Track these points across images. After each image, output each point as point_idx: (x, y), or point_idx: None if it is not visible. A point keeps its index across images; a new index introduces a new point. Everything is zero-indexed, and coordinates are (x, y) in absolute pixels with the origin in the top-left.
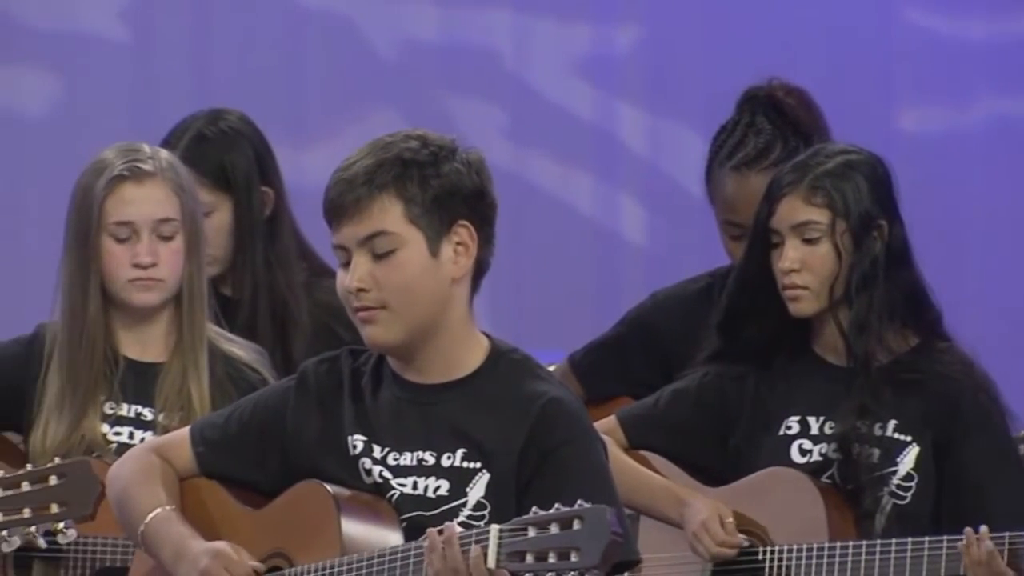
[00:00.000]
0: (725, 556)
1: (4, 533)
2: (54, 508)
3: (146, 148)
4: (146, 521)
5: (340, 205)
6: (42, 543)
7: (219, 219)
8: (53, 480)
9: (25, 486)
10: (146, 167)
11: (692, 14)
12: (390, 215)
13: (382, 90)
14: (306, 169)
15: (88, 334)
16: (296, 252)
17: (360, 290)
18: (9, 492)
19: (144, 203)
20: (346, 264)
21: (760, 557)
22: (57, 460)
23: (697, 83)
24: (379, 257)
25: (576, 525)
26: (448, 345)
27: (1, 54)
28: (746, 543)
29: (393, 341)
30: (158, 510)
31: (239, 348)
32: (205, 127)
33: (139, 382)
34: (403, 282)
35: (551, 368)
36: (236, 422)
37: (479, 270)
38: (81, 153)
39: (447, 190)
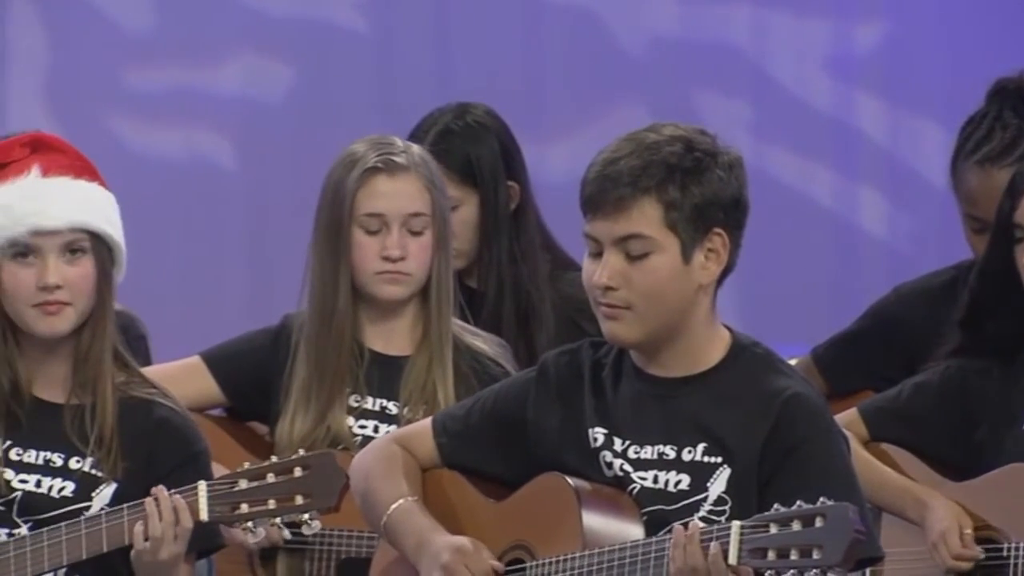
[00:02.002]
0: (961, 569)
1: (250, 524)
2: (299, 500)
3: (398, 142)
4: (389, 512)
5: (600, 200)
6: (287, 535)
7: (465, 213)
8: (298, 472)
9: (270, 477)
10: (400, 160)
11: (935, 8)
12: (649, 219)
13: (627, 85)
14: (547, 164)
15: (337, 325)
16: (540, 245)
17: (608, 288)
18: (255, 483)
19: (396, 196)
20: (596, 254)
21: (1004, 554)
22: (301, 452)
23: (939, 75)
24: (632, 258)
25: (818, 522)
26: (690, 342)
27: (241, 43)
28: (982, 556)
29: (634, 339)
30: (401, 501)
31: (482, 342)
32: (452, 121)
33: (384, 376)
34: (652, 286)
35: (792, 362)
36: (477, 414)
37: (725, 271)
38: (318, 142)
39: (707, 199)
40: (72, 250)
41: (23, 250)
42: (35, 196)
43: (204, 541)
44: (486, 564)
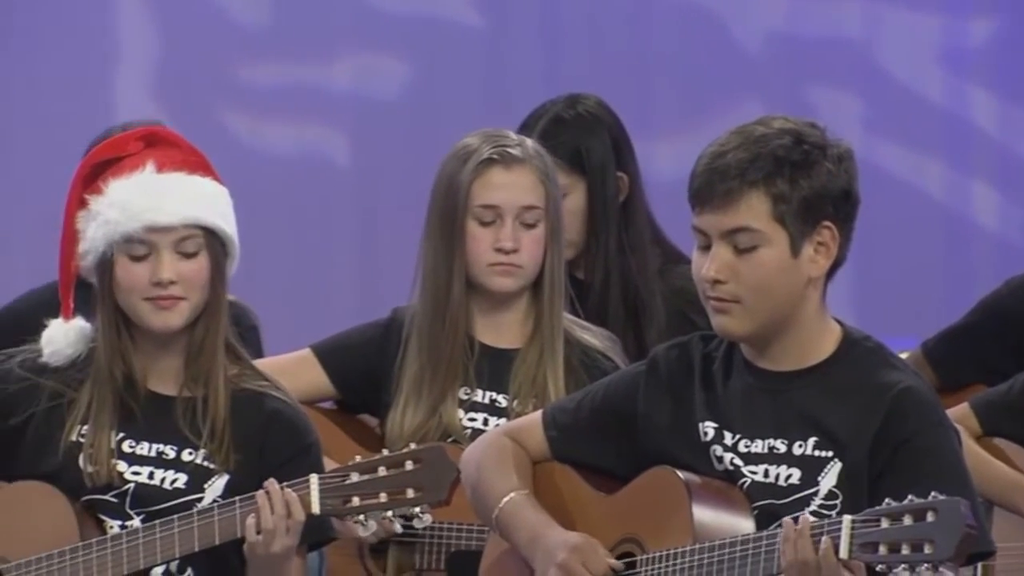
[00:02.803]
0: None
1: (361, 518)
2: (410, 493)
3: (513, 135)
4: (500, 505)
5: (708, 193)
6: (398, 528)
7: (573, 202)
8: (409, 465)
9: (382, 471)
10: (515, 153)
11: None
12: (757, 212)
13: (738, 80)
14: (656, 160)
15: (450, 317)
16: (650, 239)
17: (717, 281)
18: (366, 477)
19: (511, 188)
20: (704, 248)
21: None
22: (413, 446)
23: None
24: (740, 251)
25: (930, 517)
26: (800, 335)
27: (355, 39)
28: None
29: (743, 332)
30: (512, 494)
31: (592, 336)
32: (563, 110)
33: (494, 368)
34: (761, 280)
35: (903, 355)
36: (587, 407)
37: (835, 264)
38: (434, 137)
39: (816, 192)
40: (185, 246)
41: (138, 246)
42: (150, 192)
43: (316, 534)
44: (603, 562)
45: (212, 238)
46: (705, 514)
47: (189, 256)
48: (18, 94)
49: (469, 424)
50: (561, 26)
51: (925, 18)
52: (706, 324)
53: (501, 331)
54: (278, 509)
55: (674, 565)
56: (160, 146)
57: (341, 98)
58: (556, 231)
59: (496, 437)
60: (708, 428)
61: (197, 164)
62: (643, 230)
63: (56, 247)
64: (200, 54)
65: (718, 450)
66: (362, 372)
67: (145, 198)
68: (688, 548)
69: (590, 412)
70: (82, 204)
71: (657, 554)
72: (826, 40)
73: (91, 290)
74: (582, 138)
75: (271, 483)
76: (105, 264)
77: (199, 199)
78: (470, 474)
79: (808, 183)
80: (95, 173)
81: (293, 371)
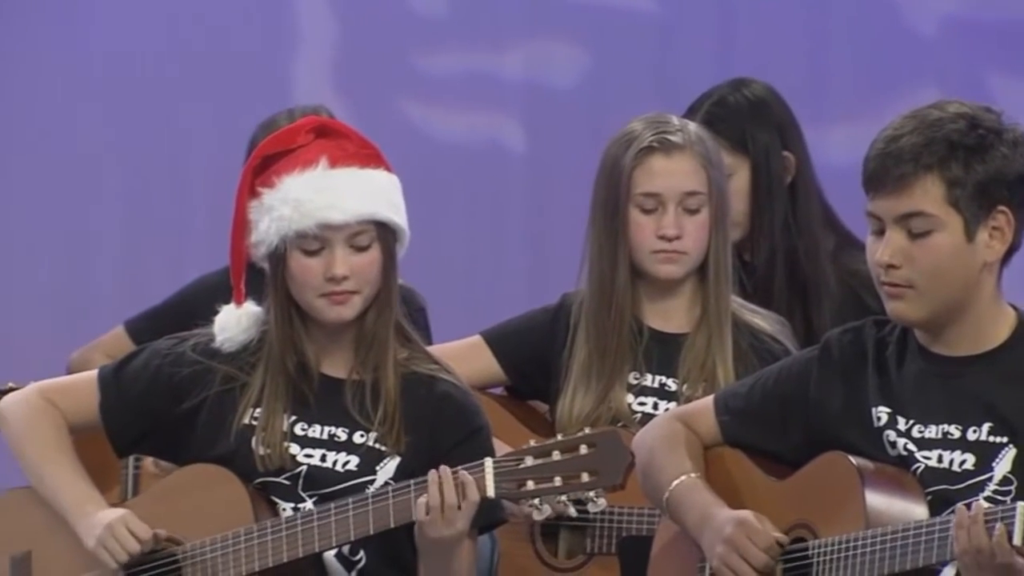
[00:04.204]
0: None
1: (536, 501)
2: (584, 477)
3: (675, 120)
4: (671, 487)
5: (882, 178)
6: (572, 512)
7: (738, 182)
8: (583, 449)
9: (556, 455)
10: (675, 139)
11: None
12: (931, 197)
13: (915, 66)
14: (829, 146)
15: (616, 303)
16: (821, 221)
17: (891, 266)
18: (540, 461)
19: (672, 175)
20: (878, 232)
21: None
22: (587, 430)
23: None
24: (914, 236)
25: None
26: (975, 320)
27: (531, 28)
28: None
29: (917, 318)
30: (683, 477)
31: (761, 319)
32: (728, 94)
33: (663, 353)
34: (934, 265)
35: None
36: (759, 392)
37: (1010, 249)
38: (608, 125)
39: (991, 176)
40: (358, 240)
41: (311, 241)
42: (323, 189)
43: (487, 516)
44: (770, 537)
45: (384, 230)
46: (878, 500)
47: (362, 250)
48: (198, 80)
49: (639, 409)
50: (735, 12)
51: None
52: (880, 308)
53: (669, 316)
54: (452, 492)
55: (846, 551)
56: (331, 137)
57: (515, 86)
58: (720, 215)
59: (668, 421)
60: (881, 413)
61: (368, 156)
62: (812, 212)
63: (228, 233)
64: (377, 41)
65: (891, 435)
66: (532, 358)
67: (318, 196)
68: (860, 534)
69: (762, 397)
70: (254, 194)
71: (829, 540)
72: (1006, 24)
73: (262, 274)
74: (746, 120)
75: (445, 468)
76: (277, 257)
77: (372, 194)
78: (641, 457)
79: (983, 167)
80: (266, 164)
81: (464, 357)
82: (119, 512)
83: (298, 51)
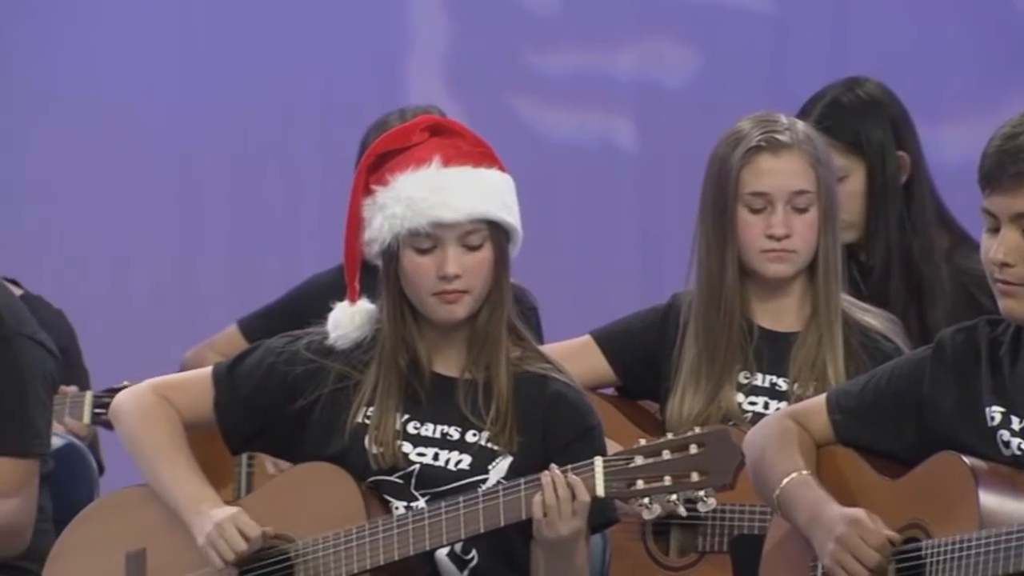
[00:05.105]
0: None
1: (645, 501)
2: (694, 477)
3: (783, 119)
4: (782, 485)
5: (998, 176)
6: (682, 511)
7: (853, 184)
8: (693, 449)
9: (665, 454)
10: (783, 139)
11: None
12: None
13: None
14: (943, 145)
15: (725, 303)
16: (936, 220)
17: (1004, 264)
18: (650, 460)
19: (780, 175)
20: (993, 230)
21: None
22: (697, 429)
23: None
24: None
25: None
26: None
27: (643, 26)
28: None
29: None
30: (794, 474)
31: (872, 317)
32: (841, 93)
33: (773, 352)
34: None
35: None
36: (872, 391)
37: None
38: (720, 124)
39: None
40: (470, 239)
41: (424, 240)
42: (436, 188)
43: (599, 516)
44: (882, 536)
45: (496, 229)
46: (992, 500)
47: (474, 249)
48: (311, 79)
49: (749, 408)
50: (848, 10)
51: None
52: (993, 306)
53: (779, 315)
54: (562, 491)
55: (960, 552)
56: (445, 136)
57: (628, 85)
58: (830, 214)
59: (780, 419)
60: (995, 413)
61: (482, 155)
62: (926, 211)
63: (340, 233)
64: (489, 40)
65: (1005, 435)
66: (642, 358)
67: (431, 194)
68: (974, 535)
69: (875, 396)
70: (367, 192)
71: (943, 540)
72: None
73: (376, 273)
74: (860, 120)
75: (554, 467)
76: (390, 254)
77: (484, 193)
78: (753, 455)
79: None
80: (380, 162)
81: (574, 357)
82: (230, 511)
83: (411, 50)
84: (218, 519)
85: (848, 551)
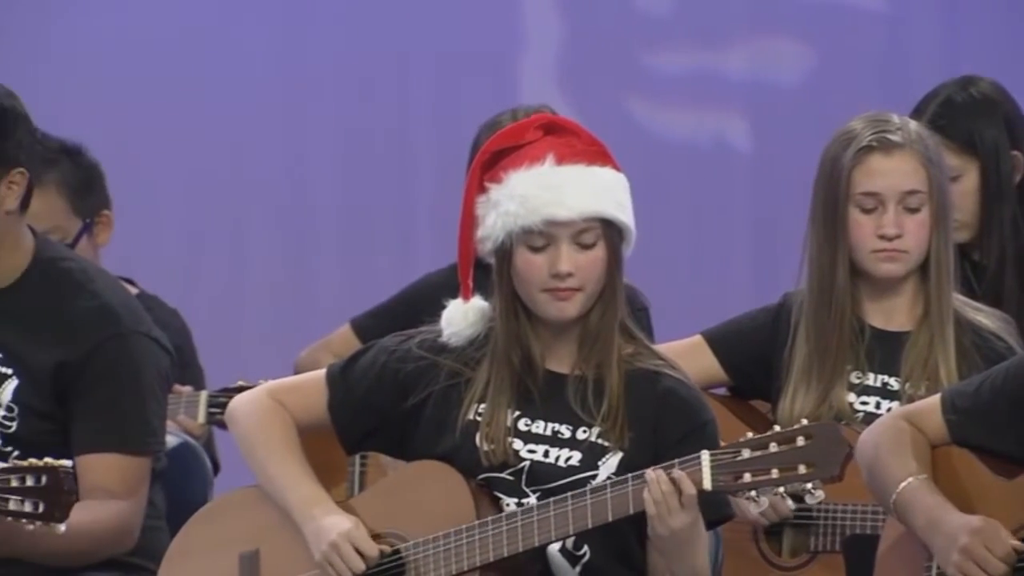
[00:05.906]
0: None
1: (753, 493)
2: (801, 469)
3: (895, 119)
4: (899, 489)
5: None
6: (790, 504)
7: (967, 184)
8: (800, 441)
9: (773, 447)
10: (894, 138)
11: None
12: None
13: None
14: None
15: (836, 303)
16: None
17: None
18: (757, 453)
19: (891, 175)
20: None
21: None
22: (804, 422)
23: None
24: None
25: None
26: None
27: (756, 25)
28: None
29: None
30: (911, 479)
31: (985, 317)
32: (954, 93)
33: (885, 352)
34: None
35: None
36: (988, 391)
37: None
38: (834, 122)
39: None
40: (584, 238)
41: (537, 237)
42: (550, 186)
43: (713, 511)
44: (1007, 546)
45: (610, 228)
46: None
47: (587, 247)
48: (425, 79)
49: (861, 407)
50: (961, 9)
51: None
52: None
53: (891, 314)
54: (665, 486)
55: None
56: (559, 134)
57: (741, 84)
58: (942, 213)
59: (893, 420)
60: None
61: (596, 154)
62: None
63: (452, 232)
64: (602, 40)
65: None
66: (753, 358)
67: (545, 192)
68: None
69: (991, 396)
70: (482, 190)
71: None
72: None
73: (489, 271)
74: (974, 120)
75: (659, 468)
76: (504, 252)
77: (598, 191)
78: (867, 457)
79: None
80: (494, 160)
81: (685, 357)
82: (345, 525)
83: (524, 50)
84: (333, 536)
85: (974, 562)
